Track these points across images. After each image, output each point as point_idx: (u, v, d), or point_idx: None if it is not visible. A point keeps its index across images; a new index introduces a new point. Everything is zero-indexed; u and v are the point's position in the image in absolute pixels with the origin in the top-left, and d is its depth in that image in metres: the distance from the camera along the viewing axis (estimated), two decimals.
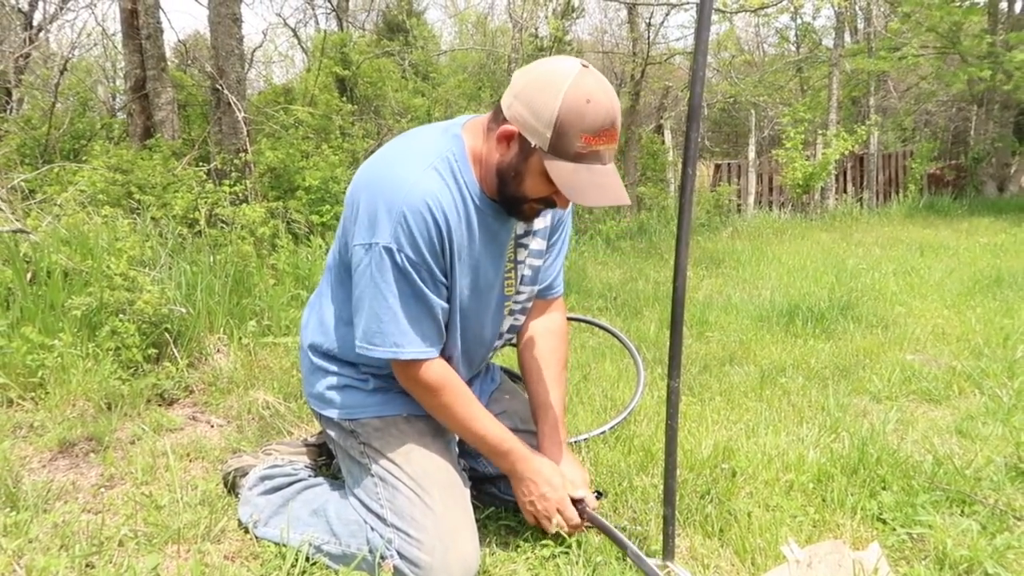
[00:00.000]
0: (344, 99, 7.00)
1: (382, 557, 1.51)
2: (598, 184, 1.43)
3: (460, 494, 1.62)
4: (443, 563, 1.49)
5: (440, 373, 1.58)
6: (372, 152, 6.19)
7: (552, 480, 1.64)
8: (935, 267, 5.64)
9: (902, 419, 2.52)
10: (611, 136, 1.42)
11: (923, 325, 3.85)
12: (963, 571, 1.57)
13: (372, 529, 1.56)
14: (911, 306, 4.31)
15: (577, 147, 1.40)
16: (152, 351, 3.00)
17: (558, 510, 1.63)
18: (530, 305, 1.83)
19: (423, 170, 1.48)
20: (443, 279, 1.55)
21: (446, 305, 1.58)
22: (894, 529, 1.76)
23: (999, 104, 11.86)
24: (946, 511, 1.84)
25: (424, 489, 1.56)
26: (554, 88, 1.38)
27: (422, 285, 1.50)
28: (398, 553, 1.50)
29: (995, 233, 7.83)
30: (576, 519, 1.63)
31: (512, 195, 1.52)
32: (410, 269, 1.47)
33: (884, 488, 1.95)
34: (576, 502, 1.65)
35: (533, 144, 1.42)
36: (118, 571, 1.57)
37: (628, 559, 1.59)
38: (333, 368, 1.72)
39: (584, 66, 1.41)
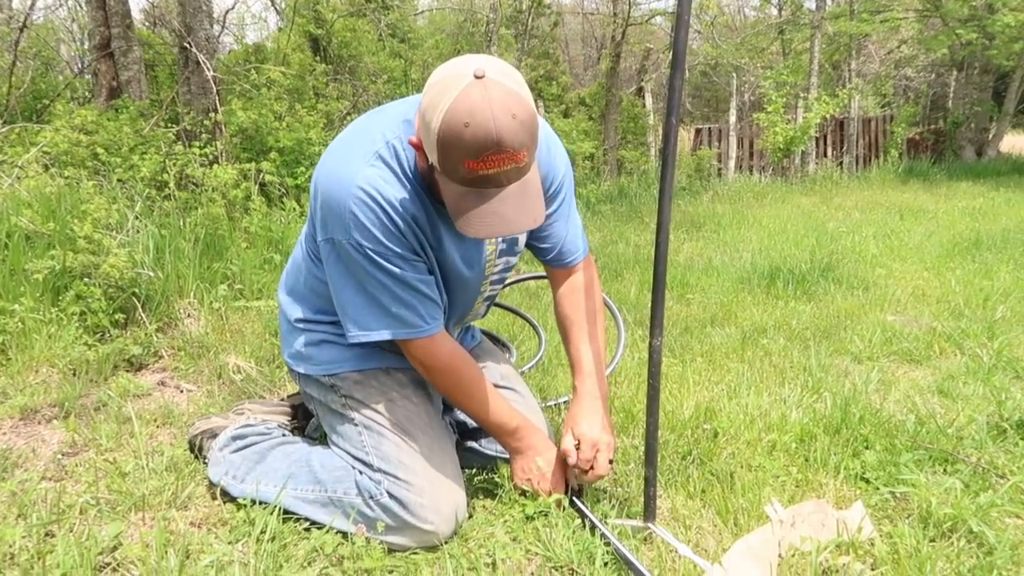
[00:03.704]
0: (318, 59, 6.81)
1: (371, 496, 1.50)
2: (489, 211, 1.29)
3: (446, 439, 1.64)
4: (433, 502, 1.49)
5: (445, 351, 1.56)
6: (347, 115, 6.06)
7: (553, 462, 1.65)
8: (915, 230, 5.65)
9: (883, 379, 2.51)
10: (498, 161, 1.24)
11: (903, 287, 3.84)
12: (947, 529, 1.55)
13: (360, 472, 1.55)
14: (891, 268, 4.30)
15: (462, 172, 1.26)
16: (119, 316, 2.91)
17: (551, 491, 1.63)
18: (507, 274, 1.79)
19: (366, 159, 1.42)
20: (414, 256, 1.49)
21: (428, 277, 1.53)
22: (877, 488, 1.73)
23: (979, 69, 11.84)
24: (929, 470, 1.81)
25: (409, 434, 1.57)
26: (441, 104, 1.23)
27: (392, 267, 1.45)
28: (388, 493, 1.49)
29: (973, 197, 7.86)
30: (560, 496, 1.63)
31: (441, 202, 1.41)
32: (375, 257, 1.43)
33: (867, 447, 1.92)
34: (571, 490, 1.65)
35: (430, 161, 1.32)
36: (79, 540, 1.50)
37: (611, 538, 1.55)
38: (311, 326, 1.69)
39: (478, 76, 1.22)
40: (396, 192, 1.42)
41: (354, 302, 1.50)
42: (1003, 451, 1.91)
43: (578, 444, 1.61)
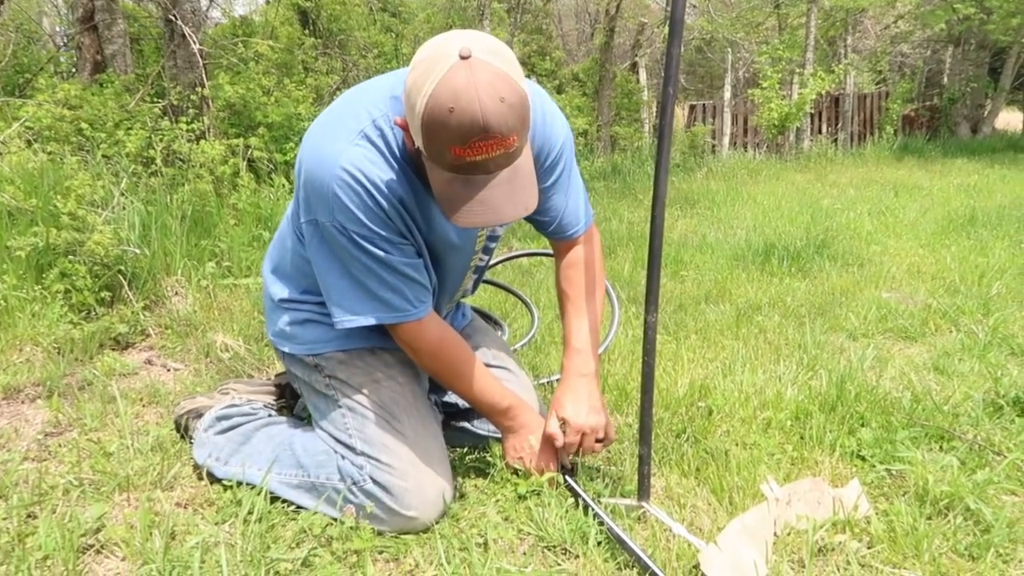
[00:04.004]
0: (307, 33, 6.69)
1: (354, 482, 1.47)
2: (478, 200, 1.24)
3: (431, 421, 1.60)
4: (417, 487, 1.46)
5: (434, 334, 1.52)
6: (337, 89, 5.96)
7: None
8: (910, 207, 5.62)
9: (879, 356, 2.49)
10: (486, 147, 1.17)
11: (898, 264, 3.82)
12: (944, 507, 1.53)
13: (343, 458, 1.51)
14: (886, 245, 4.28)
15: (448, 159, 1.20)
16: (105, 294, 2.86)
17: (542, 469, 1.61)
18: (493, 244, 1.74)
19: (350, 138, 1.36)
20: (401, 238, 1.44)
21: (416, 260, 1.48)
22: (873, 466, 1.72)
23: (975, 45, 11.77)
24: (925, 447, 1.80)
25: (394, 416, 1.53)
26: (424, 87, 1.16)
27: (377, 251, 1.40)
28: (371, 479, 1.46)
29: (968, 174, 7.83)
30: (552, 472, 1.61)
31: (428, 185, 1.35)
32: (360, 240, 1.38)
33: (863, 425, 1.90)
34: (563, 468, 1.63)
35: (416, 144, 1.25)
36: (61, 521, 1.47)
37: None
38: (294, 304, 1.65)
39: (464, 57, 1.14)
40: (381, 173, 1.36)
41: (339, 286, 1.45)
42: (999, 428, 1.89)
43: (563, 425, 1.58)
